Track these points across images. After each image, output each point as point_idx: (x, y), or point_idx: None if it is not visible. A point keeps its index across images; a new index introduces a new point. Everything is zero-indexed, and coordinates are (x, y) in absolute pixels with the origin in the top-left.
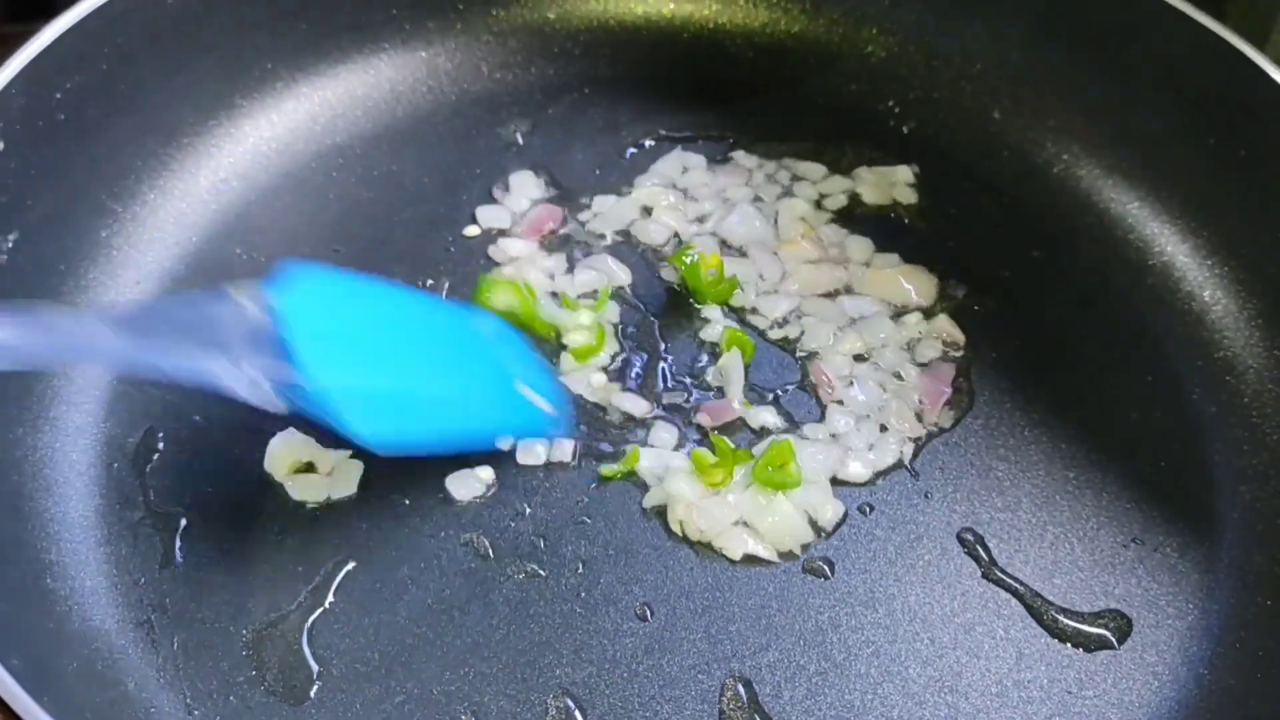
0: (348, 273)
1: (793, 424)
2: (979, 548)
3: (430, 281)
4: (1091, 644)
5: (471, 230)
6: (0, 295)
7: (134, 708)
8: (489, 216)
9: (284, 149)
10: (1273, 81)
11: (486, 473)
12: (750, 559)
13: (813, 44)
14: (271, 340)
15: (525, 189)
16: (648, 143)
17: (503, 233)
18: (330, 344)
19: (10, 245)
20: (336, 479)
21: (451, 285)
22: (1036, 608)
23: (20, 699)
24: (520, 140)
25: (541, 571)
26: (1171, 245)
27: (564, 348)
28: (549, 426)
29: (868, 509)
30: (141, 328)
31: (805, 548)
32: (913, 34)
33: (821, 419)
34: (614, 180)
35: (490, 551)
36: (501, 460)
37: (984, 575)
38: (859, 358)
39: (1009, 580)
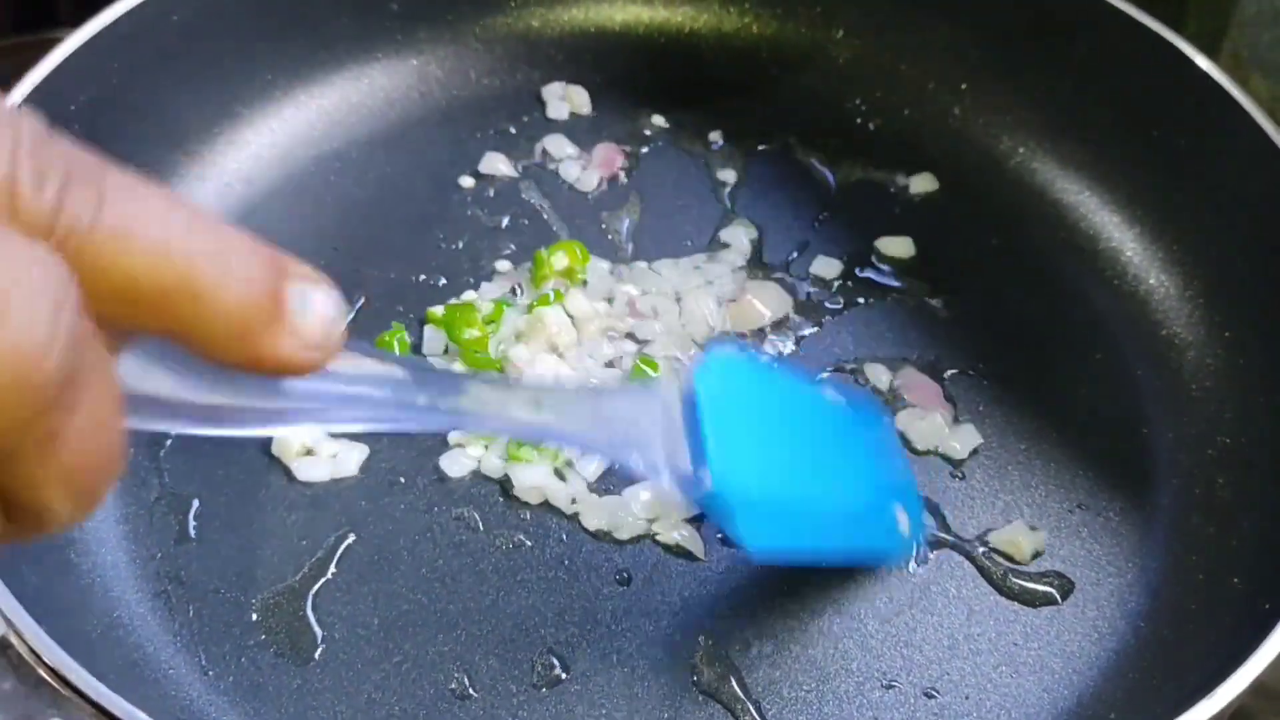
0: (759, 361)
1: None
2: (934, 515)
3: (424, 277)
4: (1037, 600)
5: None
6: None
7: (153, 669)
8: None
9: (284, 154)
10: (1210, 79)
11: (476, 451)
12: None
13: (783, 47)
14: (685, 432)
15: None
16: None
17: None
18: (736, 441)
19: None
20: (339, 461)
21: (443, 279)
22: (986, 569)
23: (60, 657)
24: (508, 144)
25: (527, 542)
26: (1119, 232)
27: None
28: (906, 551)
29: None
30: (560, 405)
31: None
32: (878, 36)
33: None
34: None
35: (480, 524)
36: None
37: (938, 541)
38: None
39: (961, 544)
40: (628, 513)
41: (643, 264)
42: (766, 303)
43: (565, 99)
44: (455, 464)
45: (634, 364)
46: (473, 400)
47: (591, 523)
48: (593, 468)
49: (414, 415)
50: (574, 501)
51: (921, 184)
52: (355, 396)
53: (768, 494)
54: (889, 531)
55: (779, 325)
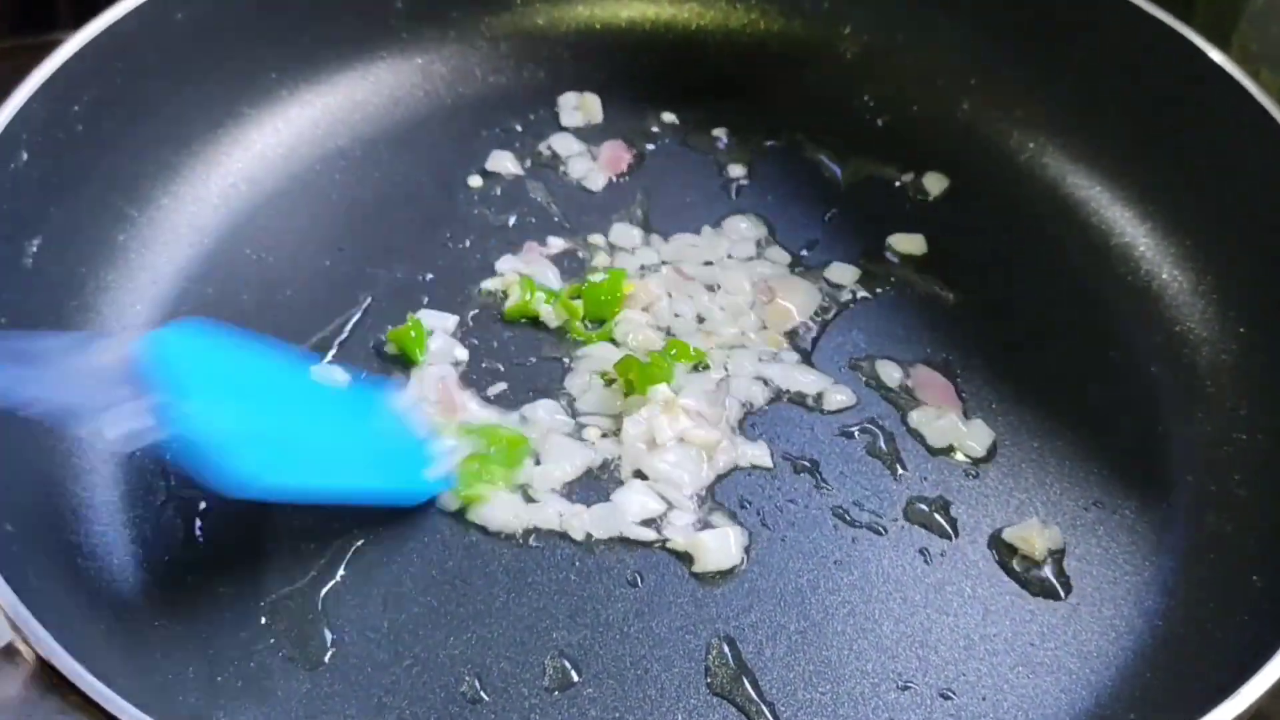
0: (227, 332)
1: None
2: (948, 513)
3: (430, 276)
4: (1053, 594)
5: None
6: (24, 297)
7: (161, 673)
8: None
9: (289, 154)
10: (1222, 71)
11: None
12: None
13: (790, 43)
14: (139, 383)
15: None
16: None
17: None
18: (206, 387)
19: (34, 250)
20: None
21: (450, 278)
22: (1004, 562)
23: (65, 660)
24: (515, 142)
25: (538, 544)
26: (1131, 227)
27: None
28: (423, 488)
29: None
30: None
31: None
32: (885, 32)
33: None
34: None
35: (490, 526)
36: None
37: (953, 539)
38: None
39: (977, 542)
40: (619, 517)
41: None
42: (796, 303)
43: (580, 108)
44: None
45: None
46: None
47: (579, 533)
48: (558, 474)
49: None
50: (560, 516)
51: (934, 183)
52: None
53: (239, 429)
54: (395, 471)
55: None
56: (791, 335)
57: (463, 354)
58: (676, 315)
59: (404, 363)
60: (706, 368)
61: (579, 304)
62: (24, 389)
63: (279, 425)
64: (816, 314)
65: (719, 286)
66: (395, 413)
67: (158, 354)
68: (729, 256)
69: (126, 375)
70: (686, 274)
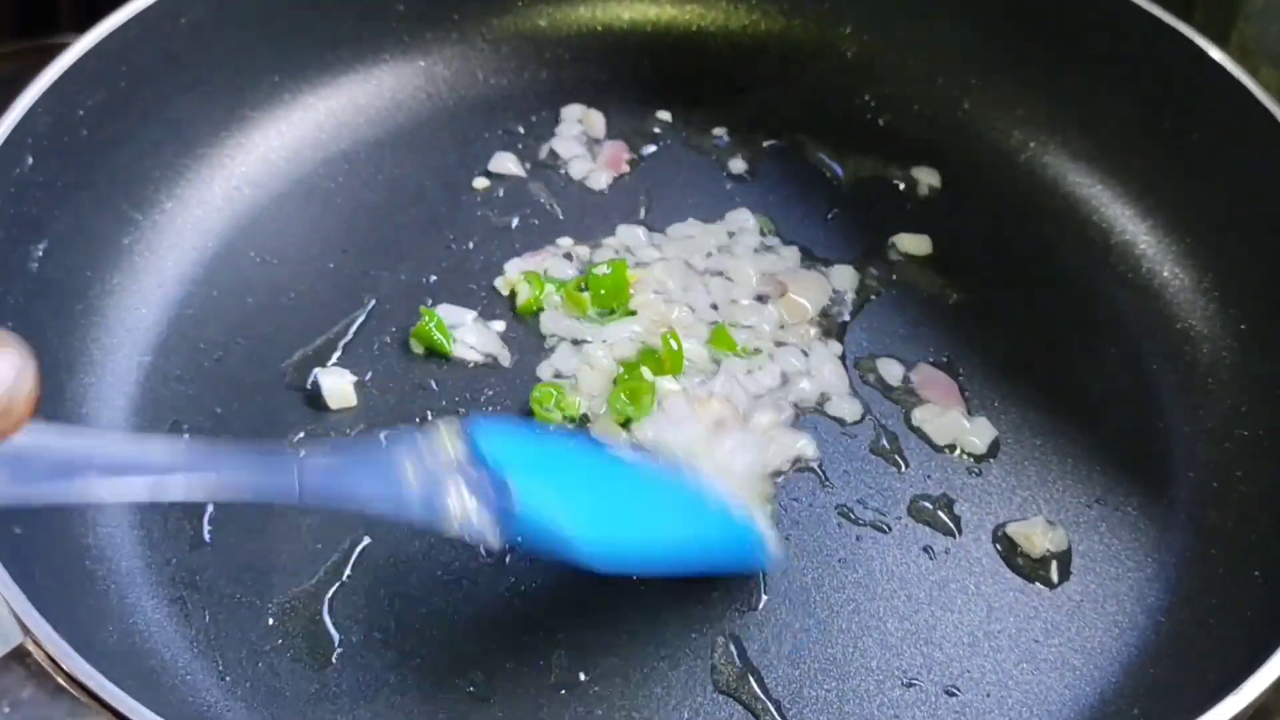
0: (535, 429)
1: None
2: (951, 511)
3: (434, 278)
4: (1057, 590)
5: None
6: (30, 301)
7: (170, 675)
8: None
9: (292, 157)
10: (1222, 70)
11: None
12: None
13: (791, 44)
14: (478, 471)
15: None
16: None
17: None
18: (532, 474)
19: (40, 254)
20: None
21: (454, 280)
22: (1008, 559)
23: (79, 664)
24: (517, 143)
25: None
26: (1132, 225)
27: None
28: (756, 559)
29: (847, 475)
30: (347, 470)
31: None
32: (886, 32)
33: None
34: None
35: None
36: None
37: (957, 536)
38: None
39: (981, 539)
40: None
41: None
42: (808, 297)
43: (582, 120)
44: None
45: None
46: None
47: None
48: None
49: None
50: None
51: (925, 176)
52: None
53: (577, 508)
54: (727, 547)
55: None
56: (821, 326)
57: (499, 346)
58: (692, 310)
59: (433, 357)
60: (753, 353)
61: (586, 295)
62: (379, 501)
63: (604, 501)
64: (828, 308)
65: (725, 274)
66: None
67: (484, 443)
68: (731, 238)
69: (464, 465)
70: (696, 268)
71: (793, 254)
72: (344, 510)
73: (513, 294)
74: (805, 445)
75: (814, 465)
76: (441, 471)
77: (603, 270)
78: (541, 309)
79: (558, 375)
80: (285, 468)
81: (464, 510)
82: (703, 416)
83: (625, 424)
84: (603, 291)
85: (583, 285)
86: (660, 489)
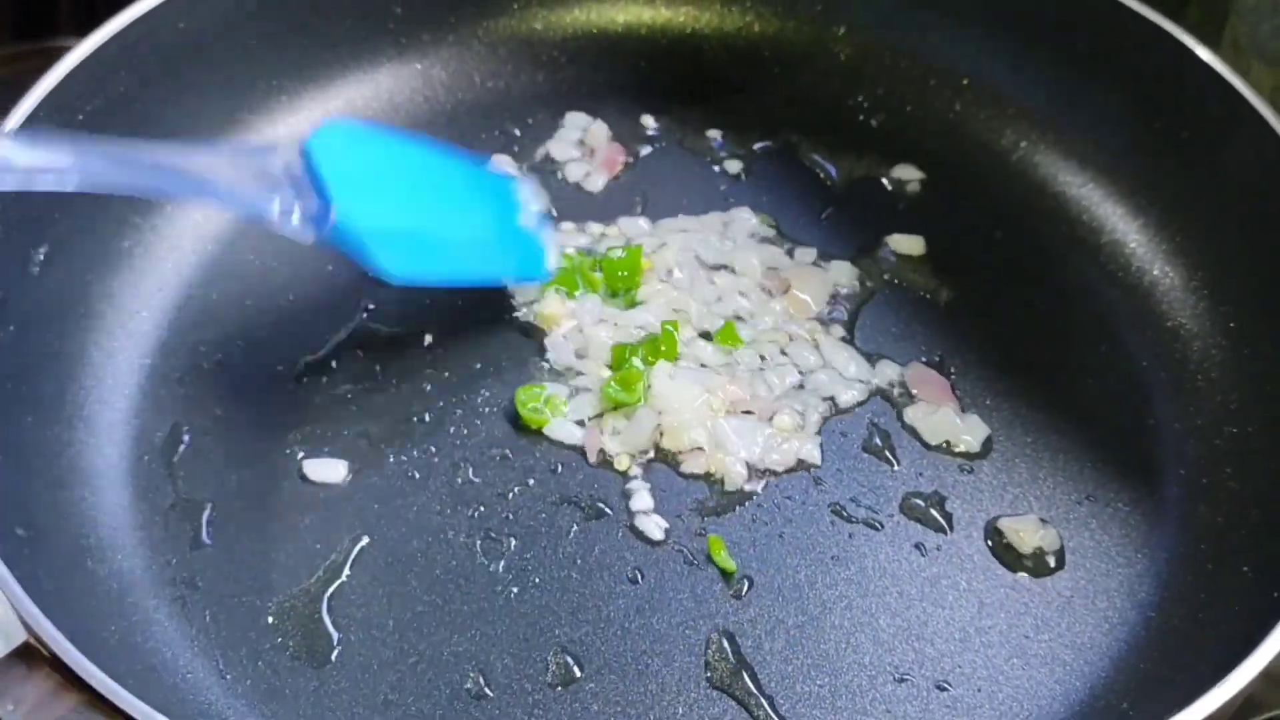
0: (377, 127)
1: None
2: (943, 508)
3: None
4: (1047, 587)
5: None
6: (31, 304)
7: (171, 673)
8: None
9: None
10: (1212, 70)
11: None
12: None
13: (785, 46)
14: (306, 178)
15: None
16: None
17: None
18: (360, 185)
19: (41, 258)
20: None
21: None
22: (999, 556)
23: (80, 662)
24: (514, 146)
25: (540, 542)
26: (1123, 224)
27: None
28: (539, 273)
29: (839, 474)
30: (182, 157)
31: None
32: (878, 34)
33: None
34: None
35: (493, 524)
36: (504, 440)
37: (949, 533)
38: None
39: (972, 536)
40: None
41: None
42: (810, 292)
43: (585, 130)
44: (470, 465)
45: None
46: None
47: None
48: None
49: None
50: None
51: (917, 176)
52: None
53: (394, 228)
54: (521, 256)
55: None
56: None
57: None
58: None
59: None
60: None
61: (599, 276)
62: (206, 190)
63: (422, 215)
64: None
65: (729, 268)
66: (517, 202)
67: (317, 153)
68: (728, 229)
69: (292, 176)
70: (705, 260)
71: (804, 253)
72: (177, 199)
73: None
74: (812, 451)
75: (806, 463)
76: (273, 177)
77: (618, 254)
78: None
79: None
80: (143, 156)
81: (285, 213)
82: (719, 395)
83: (616, 407)
84: (620, 273)
85: (596, 267)
86: (469, 194)
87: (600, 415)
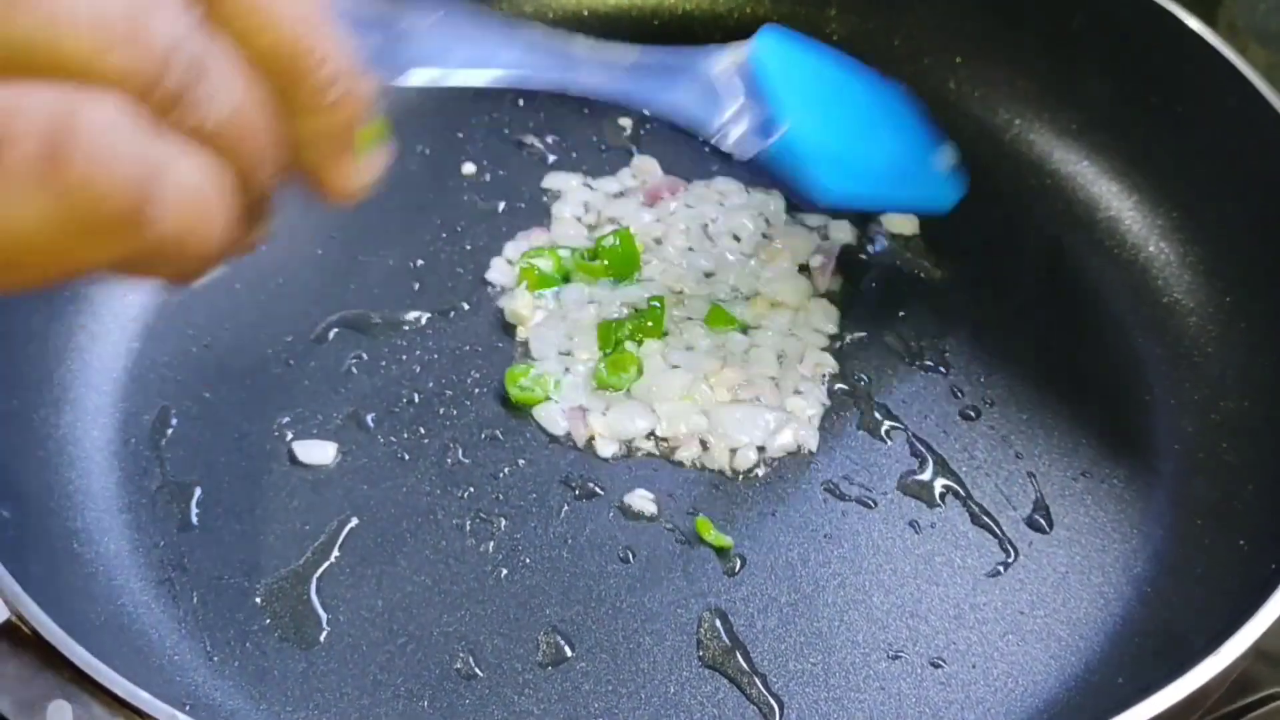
0: (808, 42)
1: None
2: (937, 485)
3: (422, 262)
4: (1042, 562)
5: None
6: (22, 299)
7: (158, 656)
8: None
9: None
10: (1208, 46)
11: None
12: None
13: (778, 25)
14: (753, 88)
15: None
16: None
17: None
18: (804, 100)
19: None
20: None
21: (441, 265)
22: (991, 530)
23: (65, 642)
24: (504, 129)
25: (531, 521)
26: (1117, 201)
27: None
28: (947, 199)
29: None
30: (624, 64)
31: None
32: (871, 12)
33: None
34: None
35: (483, 505)
36: (494, 421)
37: (942, 510)
38: None
39: (966, 513)
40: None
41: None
42: (795, 251)
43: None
44: (459, 445)
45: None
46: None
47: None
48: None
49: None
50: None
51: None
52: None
53: (835, 144)
54: (933, 181)
55: None
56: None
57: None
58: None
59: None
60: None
61: (597, 264)
62: (641, 95)
63: (857, 135)
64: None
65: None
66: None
67: (764, 62)
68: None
69: (739, 83)
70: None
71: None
72: (611, 98)
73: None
74: (809, 438)
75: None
76: (714, 84)
77: (611, 241)
78: (567, 279)
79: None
80: (579, 53)
81: (729, 125)
82: (714, 380)
83: (604, 387)
84: (621, 256)
85: (593, 255)
86: (898, 121)
87: (585, 404)
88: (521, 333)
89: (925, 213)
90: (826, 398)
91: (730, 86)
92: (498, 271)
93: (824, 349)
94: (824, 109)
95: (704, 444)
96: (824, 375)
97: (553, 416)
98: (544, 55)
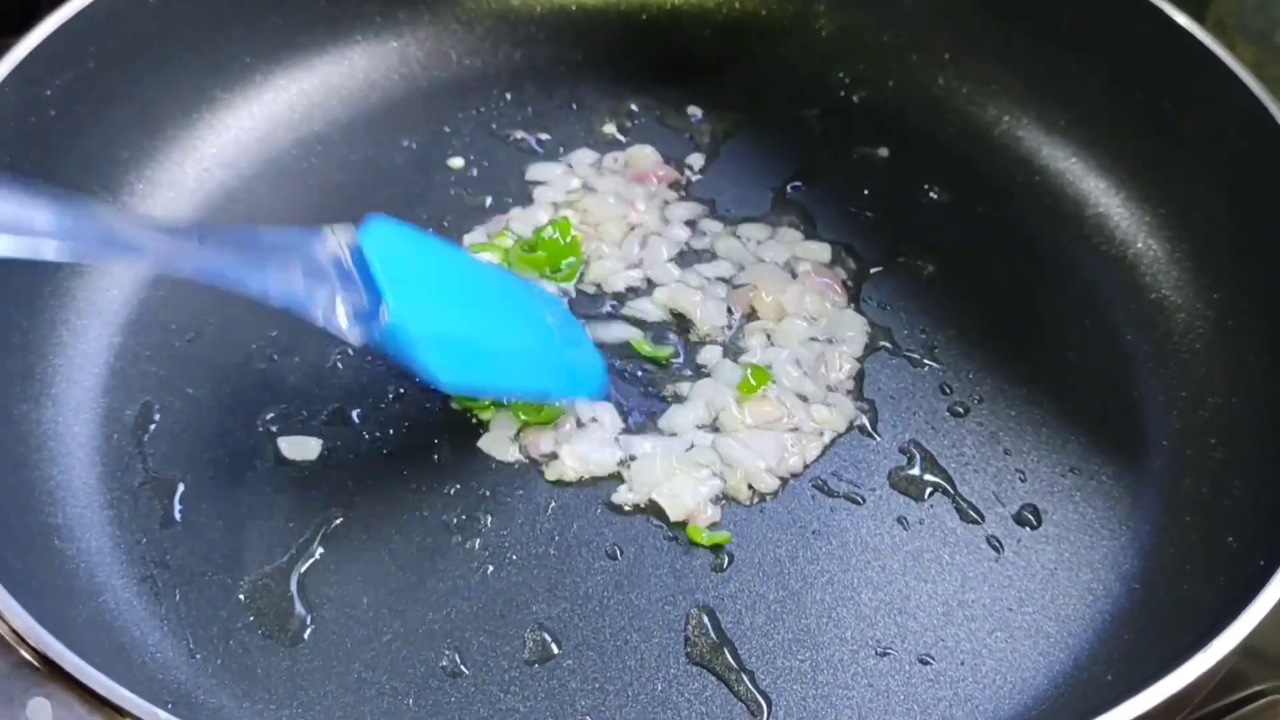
0: (421, 231)
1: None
2: (926, 481)
3: None
4: (1030, 559)
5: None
6: (1, 281)
7: (140, 653)
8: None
9: (264, 138)
10: (1197, 42)
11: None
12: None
13: (766, 21)
14: (357, 275)
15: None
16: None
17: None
18: (412, 286)
19: None
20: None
21: None
22: (979, 526)
23: (44, 639)
24: (491, 124)
25: (518, 519)
26: (1106, 197)
27: None
28: (593, 390)
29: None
30: (230, 245)
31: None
32: (860, 9)
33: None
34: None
35: (469, 501)
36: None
37: (931, 507)
38: None
39: (955, 509)
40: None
41: None
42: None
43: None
44: (446, 442)
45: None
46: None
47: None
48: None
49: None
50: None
51: (887, 149)
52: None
53: (446, 331)
54: (572, 373)
55: None
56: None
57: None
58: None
59: None
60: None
61: (538, 256)
62: (252, 280)
63: (474, 322)
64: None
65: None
66: (572, 321)
67: (370, 248)
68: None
69: (346, 268)
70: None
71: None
72: (222, 286)
73: None
74: (814, 450)
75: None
76: (322, 270)
77: (549, 232)
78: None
79: None
80: (182, 238)
81: (333, 310)
82: (751, 412)
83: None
84: (559, 248)
85: (532, 248)
86: (524, 311)
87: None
88: None
89: (565, 399)
90: (854, 410)
91: (327, 271)
92: None
93: (858, 358)
94: (437, 297)
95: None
96: (849, 388)
97: (502, 444)
98: (133, 250)
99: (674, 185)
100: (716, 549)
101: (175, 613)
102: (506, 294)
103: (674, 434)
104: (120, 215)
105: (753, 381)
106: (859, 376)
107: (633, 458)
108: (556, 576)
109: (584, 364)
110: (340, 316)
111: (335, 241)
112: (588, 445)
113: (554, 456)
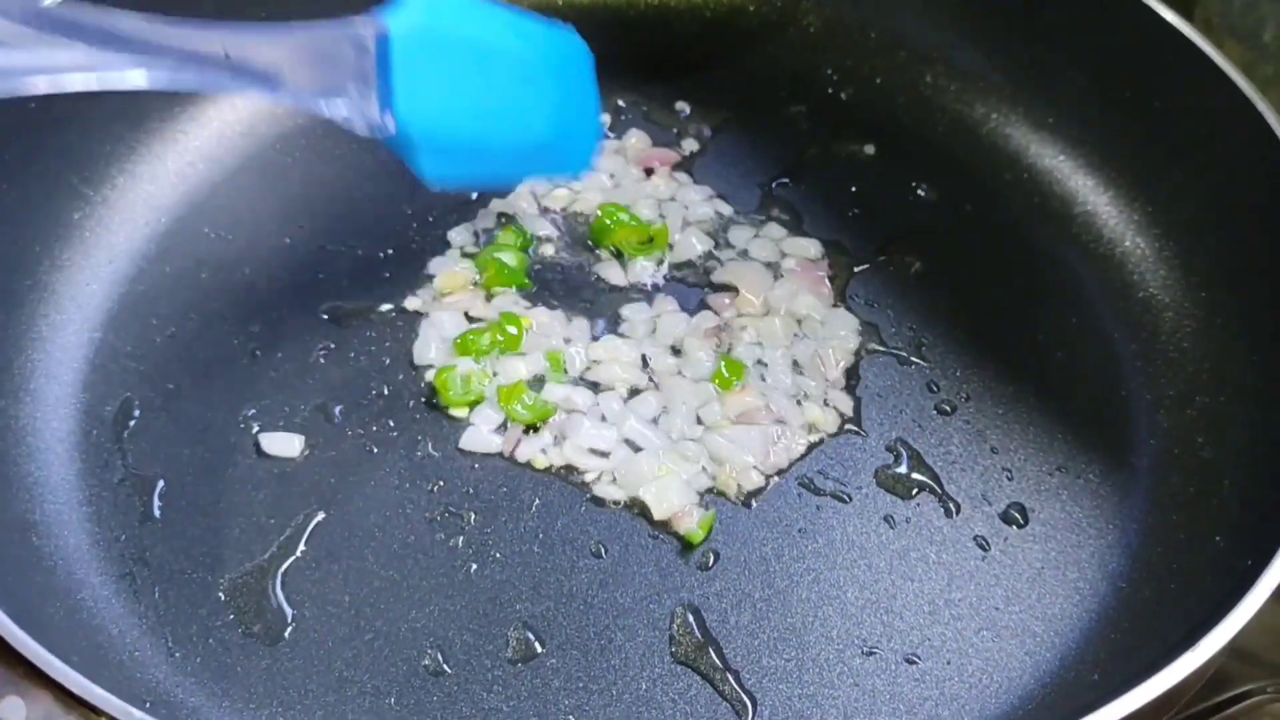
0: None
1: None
2: (913, 480)
3: (392, 252)
4: (1017, 558)
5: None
6: None
7: (119, 651)
8: None
9: (248, 132)
10: (1185, 40)
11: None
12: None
13: (754, 18)
14: (376, 68)
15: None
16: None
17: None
18: (428, 85)
19: None
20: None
21: (410, 254)
22: (966, 525)
23: (18, 636)
24: None
25: (501, 516)
26: (1094, 196)
27: None
28: (578, 168)
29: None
30: (243, 39)
31: (743, 489)
32: (848, 6)
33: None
34: None
35: (452, 499)
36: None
37: (918, 506)
38: None
39: (942, 508)
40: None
41: None
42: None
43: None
44: (430, 438)
45: None
46: (150, 33)
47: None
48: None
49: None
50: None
51: (875, 146)
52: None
53: (449, 139)
54: (566, 154)
55: None
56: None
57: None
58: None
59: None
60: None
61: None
62: (255, 86)
63: (482, 120)
64: None
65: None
66: (585, 72)
67: (394, 42)
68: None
69: (361, 65)
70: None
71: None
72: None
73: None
74: (799, 446)
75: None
76: (340, 67)
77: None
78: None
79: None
80: (210, 40)
81: (346, 108)
82: (732, 405)
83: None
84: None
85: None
86: (538, 91)
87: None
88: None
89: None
90: (850, 408)
91: (349, 69)
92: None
93: (848, 355)
94: (450, 96)
95: (709, 473)
96: (839, 385)
97: (485, 438)
98: (145, 53)
99: (677, 168)
100: (701, 546)
101: (154, 611)
102: (525, 71)
103: (655, 422)
104: (89, 16)
105: (726, 374)
106: (847, 373)
107: (627, 441)
108: (540, 574)
109: (580, 139)
110: (353, 119)
111: (360, 28)
112: (576, 436)
113: (540, 450)
